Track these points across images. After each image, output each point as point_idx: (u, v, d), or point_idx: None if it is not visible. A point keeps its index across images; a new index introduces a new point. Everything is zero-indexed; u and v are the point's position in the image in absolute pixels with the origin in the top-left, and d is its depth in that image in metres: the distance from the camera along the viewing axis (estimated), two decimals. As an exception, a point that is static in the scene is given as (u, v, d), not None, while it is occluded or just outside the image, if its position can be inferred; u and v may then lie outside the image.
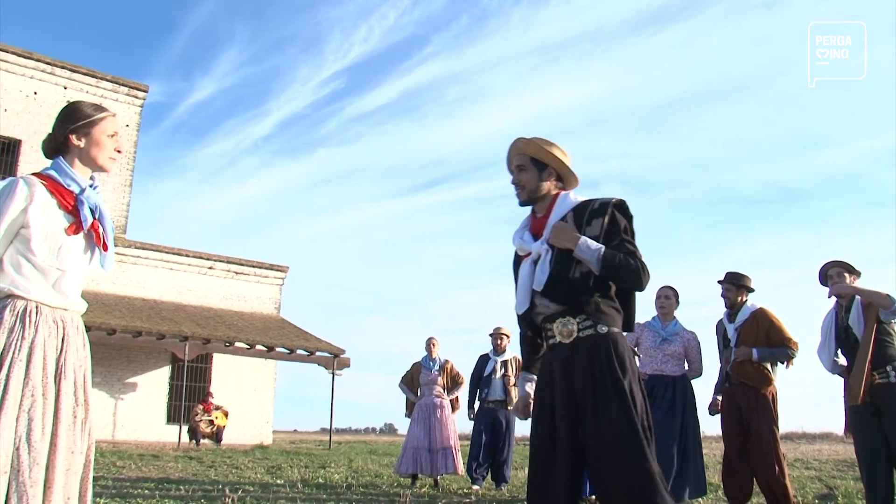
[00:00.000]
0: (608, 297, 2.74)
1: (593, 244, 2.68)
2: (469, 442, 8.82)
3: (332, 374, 19.78)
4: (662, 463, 5.32)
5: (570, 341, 2.69)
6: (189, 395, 18.55)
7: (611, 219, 2.74)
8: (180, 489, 7.10)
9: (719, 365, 5.89)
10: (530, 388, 2.99)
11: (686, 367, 5.99)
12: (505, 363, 8.43)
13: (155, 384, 19.77)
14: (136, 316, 18.05)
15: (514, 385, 8.37)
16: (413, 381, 8.80)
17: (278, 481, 8.39)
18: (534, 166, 2.89)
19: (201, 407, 18.13)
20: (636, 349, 6.06)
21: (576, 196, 2.88)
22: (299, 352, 19.74)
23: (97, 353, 18.22)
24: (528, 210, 2.98)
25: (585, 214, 2.78)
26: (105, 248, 2.59)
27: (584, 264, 2.69)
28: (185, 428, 17.60)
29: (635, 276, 2.68)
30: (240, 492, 6.89)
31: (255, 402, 21.22)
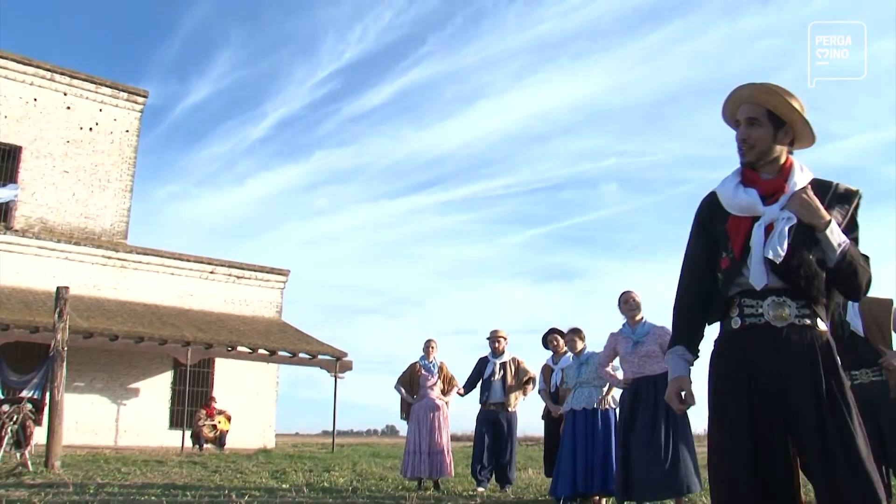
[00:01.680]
0: (825, 293, 2.37)
1: (840, 233, 2.34)
2: (471, 444, 8.85)
3: (335, 377, 19.80)
4: (654, 460, 5.35)
5: (782, 326, 2.30)
6: (191, 400, 18.57)
7: (854, 211, 2.42)
8: (187, 495, 7.13)
9: None
10: (688, 369, 2.53)
11: None
12: (504, 365, 8.49)
13: (157, 389, 19.81)
14: (139, 321, 18.08)
15: (513, 386, 8.43)
16: (411, 383, 8.78)
17: (283, 486, 8.42)
18: (770, 122, 2.44)
19: (204, 412, 18.16)
20: (615, 358, 6.13)
21: (808, 170, 2.49)
22: (301, 355, 19.76)
23: (99, 358, 18.34)
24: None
25: (828, 195, 2.41)
26: None
27: (820, 248, 2.34)
28: (188, 433, 17.63)
29: (866, 282, 2.37)
30: (246, 497, 6.93)
31: (258, 406, 21.26)
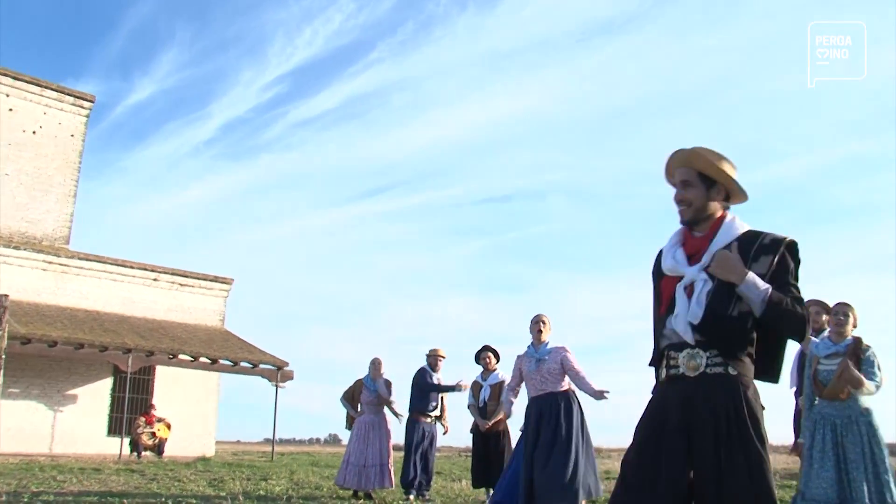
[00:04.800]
0: (750, 342, 2.55)
1: (761, 283, 2.46)
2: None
3: (276, 386, 19.93)
4: (555, 470, 5.75)
5: (694, 376, 2.52)
6: (131, 408, 18.52)
7: (781, 258, 2.52)
8: (123, 502, 7.31)
9: None
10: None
11: (568, 382, 6.22)
12: (439, 380, 8.92)
13: (96, 396, 19.64)
14: (79, 328, 17.95)
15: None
16: (354, 398, 9.22)
17: (220, 494, 8.63)
18: (701, 183, 2.65)
19: (143, 419, 18.10)
20: (522, 380, 6.41)
21: (742, 223, 2.65)
22: (243, 364, 19.85)
23: (37, 364, 18.14)
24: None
25: (753, 248, 2.55)
26: None
27: (743, 302, 2.49)
28: (126, 440, 17.57)
29: (800, 325, 2.48)
30: (182, 505, 7.13)
31: (198, 414, 21.21)
